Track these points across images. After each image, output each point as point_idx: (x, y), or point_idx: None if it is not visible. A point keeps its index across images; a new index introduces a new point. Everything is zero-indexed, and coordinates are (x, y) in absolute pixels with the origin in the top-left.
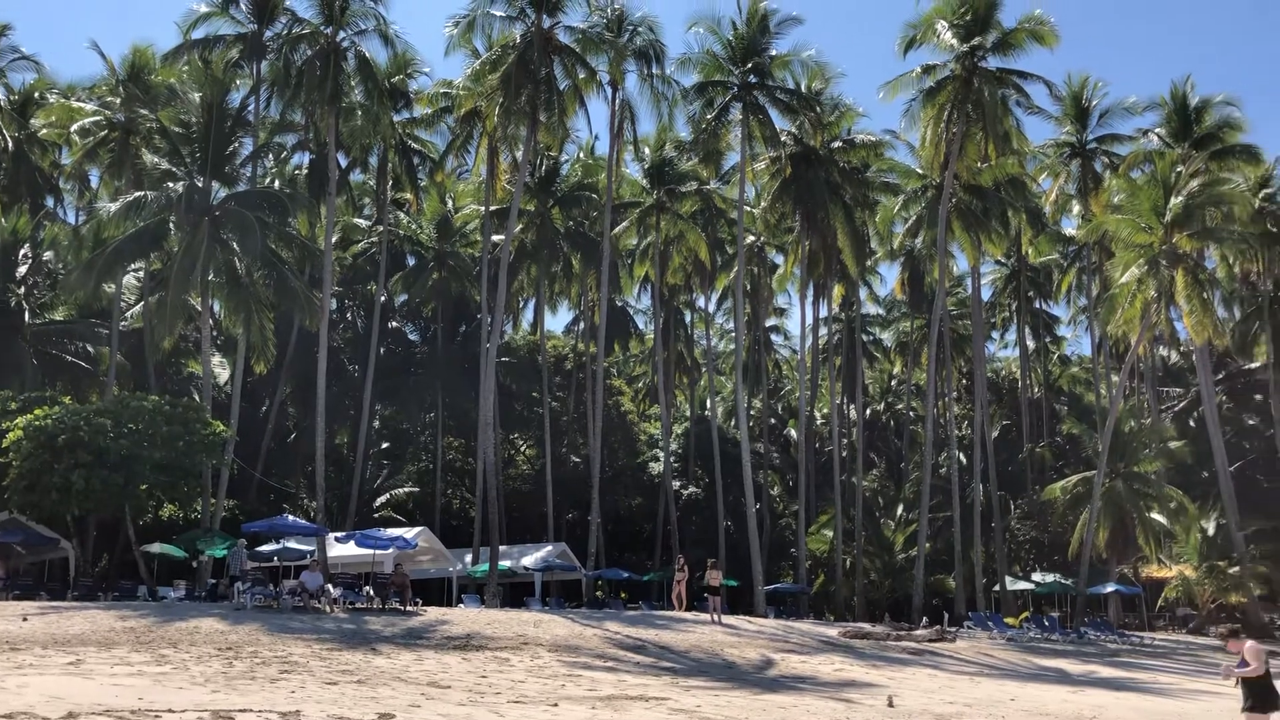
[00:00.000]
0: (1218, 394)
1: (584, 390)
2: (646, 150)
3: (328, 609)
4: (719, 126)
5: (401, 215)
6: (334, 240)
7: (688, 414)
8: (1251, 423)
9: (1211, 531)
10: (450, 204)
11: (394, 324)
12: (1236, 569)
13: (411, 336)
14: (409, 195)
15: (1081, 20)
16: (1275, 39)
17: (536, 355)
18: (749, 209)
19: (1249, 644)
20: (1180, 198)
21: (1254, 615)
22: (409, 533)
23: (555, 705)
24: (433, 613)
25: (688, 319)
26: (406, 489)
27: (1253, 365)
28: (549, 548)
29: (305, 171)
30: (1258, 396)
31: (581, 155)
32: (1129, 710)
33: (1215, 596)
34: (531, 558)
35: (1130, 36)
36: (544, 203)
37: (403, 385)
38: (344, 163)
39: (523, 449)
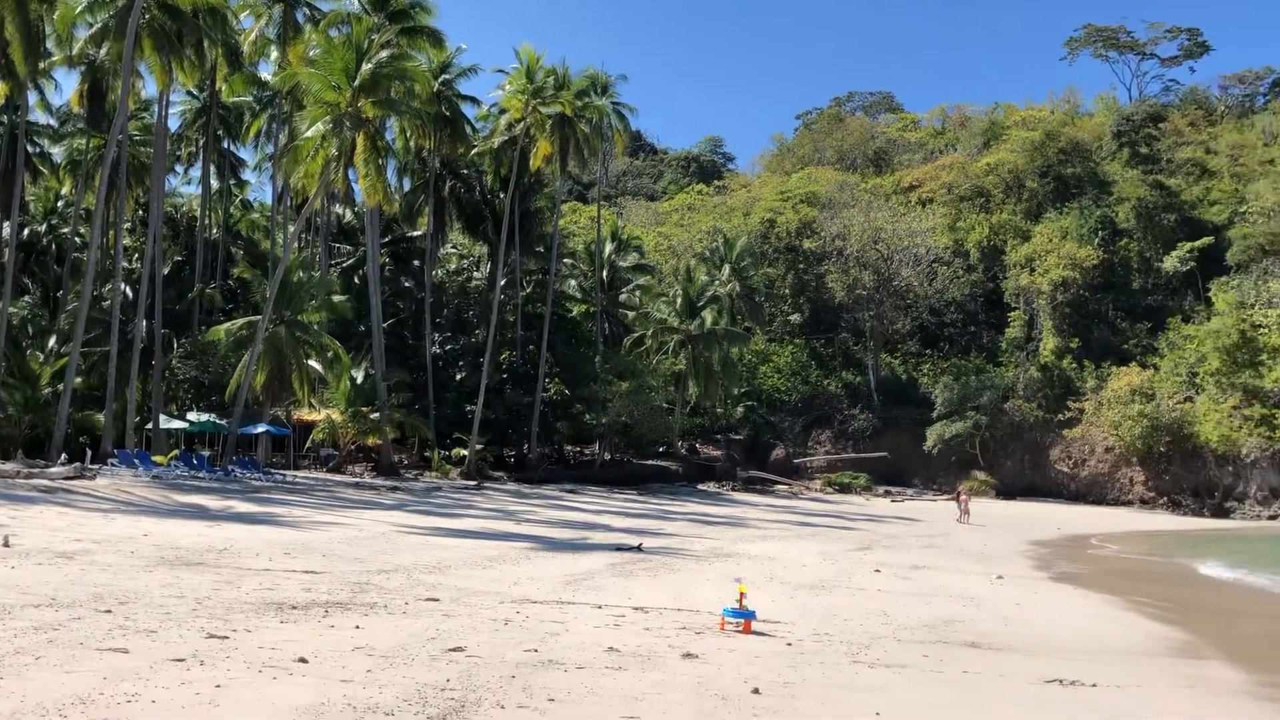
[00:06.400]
0: (382, 256)
1: None
2: None
3: None
4: None
5: None
6: None
7: None
8: (408, 285)
9: (360, 380)
10: None
11: None
12: (377, 415)
13: None
14: None
15: None
16: None
17: None
18: None
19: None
20: (370, 65)
21: (386, 455)
22: None
23: None
24: None
25: None
26: None
27: (415, 233)
28: None
29: None
30: (416, 262)
31: None
32: (258, 541)
33: (356, 439)
34: None
35: None
36: None
37: None
38: None
39: None
